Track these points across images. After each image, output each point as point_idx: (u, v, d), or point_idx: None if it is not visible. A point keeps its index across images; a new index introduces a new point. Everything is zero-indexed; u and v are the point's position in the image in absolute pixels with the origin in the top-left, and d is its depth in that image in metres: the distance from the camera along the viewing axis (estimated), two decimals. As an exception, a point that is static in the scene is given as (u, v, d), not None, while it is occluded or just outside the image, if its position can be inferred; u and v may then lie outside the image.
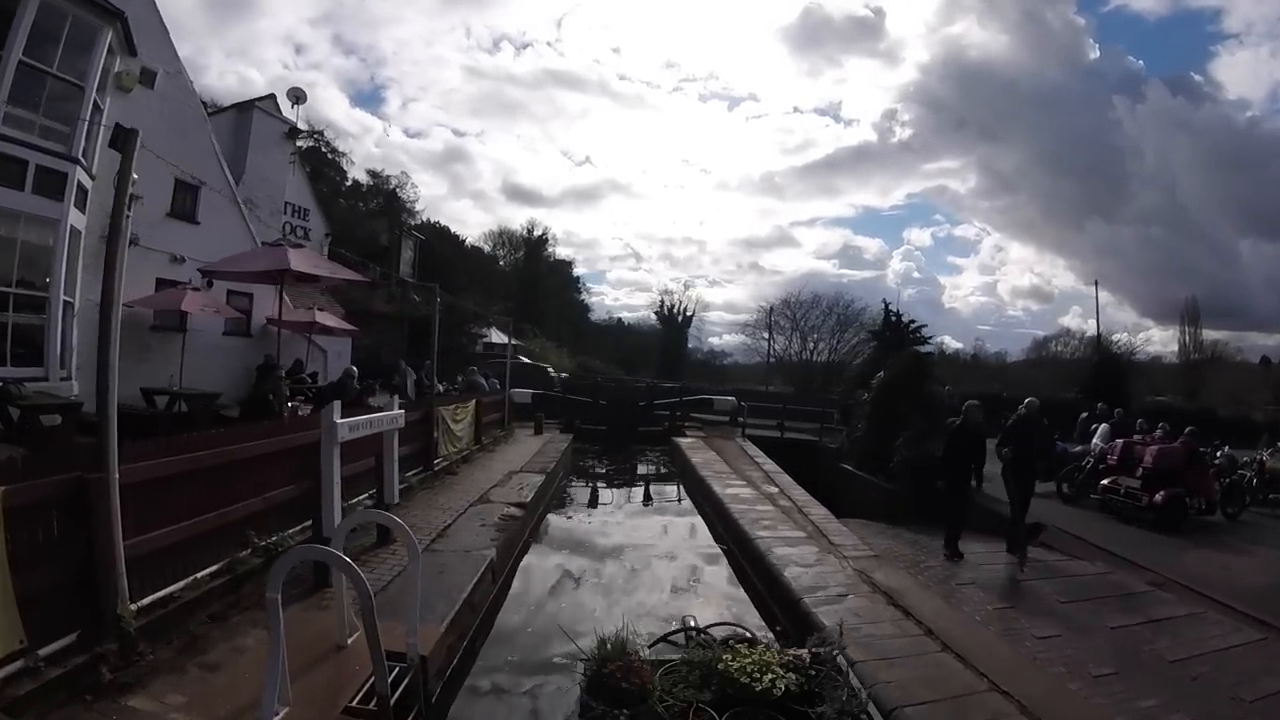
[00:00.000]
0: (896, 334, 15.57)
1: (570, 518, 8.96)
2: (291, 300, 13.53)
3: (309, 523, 5.23)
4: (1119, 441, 11.59)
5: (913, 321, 15.81)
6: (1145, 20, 74.82)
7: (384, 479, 5.58)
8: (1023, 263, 76.69)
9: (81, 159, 10.57)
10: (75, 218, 10.48)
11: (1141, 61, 74.64)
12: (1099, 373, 24.65)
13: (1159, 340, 36.50)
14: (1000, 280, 74.01)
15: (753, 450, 14.37)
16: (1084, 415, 14.55)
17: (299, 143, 31.92)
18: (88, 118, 10.71)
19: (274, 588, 3.16)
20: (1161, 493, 9.74)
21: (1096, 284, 34.23)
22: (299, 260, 7.22)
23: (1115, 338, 32.75)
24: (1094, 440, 12.46)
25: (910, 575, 6.21)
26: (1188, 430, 10.91)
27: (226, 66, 57.20)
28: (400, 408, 7.69)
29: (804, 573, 5.57)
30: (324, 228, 18.83)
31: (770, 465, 12.11)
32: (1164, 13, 74.35)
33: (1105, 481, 10.82)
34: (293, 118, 16.47)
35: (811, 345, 35.64)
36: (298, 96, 16.62)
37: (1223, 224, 58.46)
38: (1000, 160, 70.49)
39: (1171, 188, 58.97)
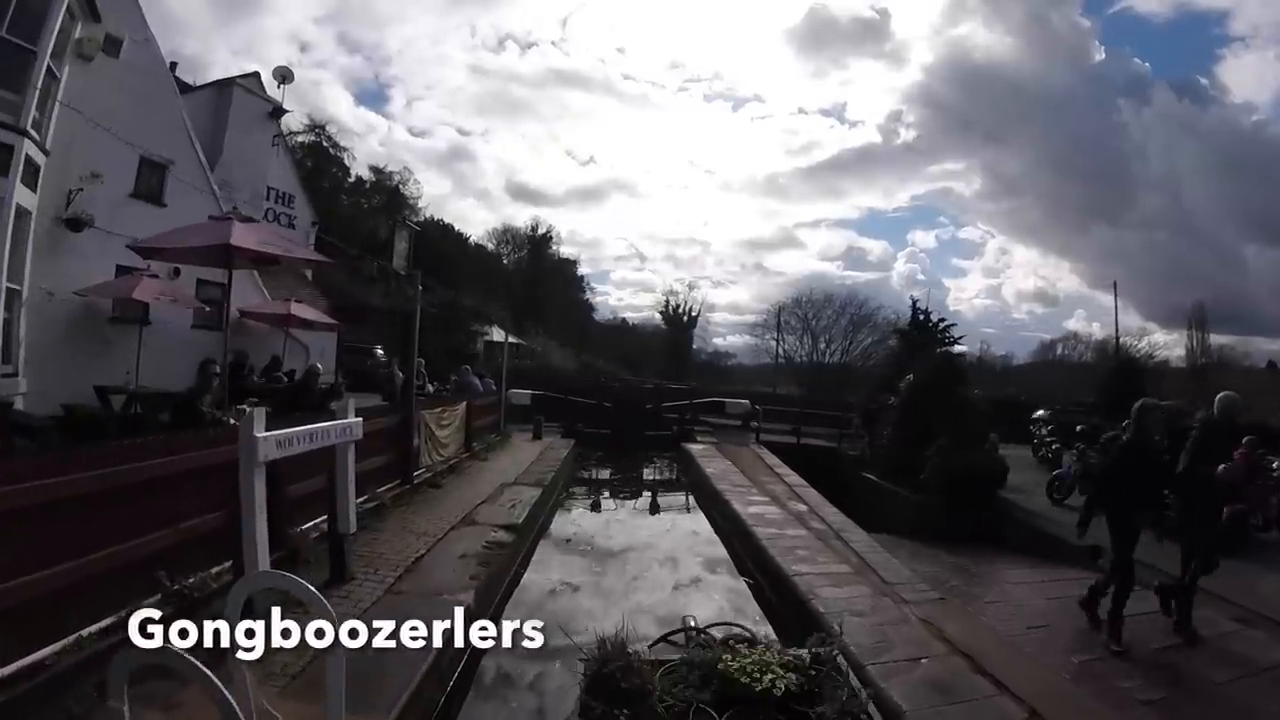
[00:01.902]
0: (924, 333, 14.44)
1: (569, 541, 7.82)
2: (269, 290, 12.52)
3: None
4: (1171, 452, 10.47)
5: (942, 320, 14.70)
6: (1151, 22, 73.28)
7: (337, 503, 4.50)
8: (1027, 266, 75.30)
9: (32, 132, 9.56)
10: (23, 196, 9.45)
11: (1147, 64, 73.22)
12: (1116, 378, 23.59)
13: (1163, 344, 35.43)
14: (1005, 283, 72.67)
15: (770, 459, 13.24)
16: (1125, 422, 13.44)
17: (301, 136, 31.58)
18: (40, 86, 9.73)
19: (116, 693, 2.13)
20: (1224, 510, 8.72)
21: (1115, 285, 32.67)
22: (244, 235, 6.08)
23: (1131, 342, 31.70)
24: (1142, 450, 11.28)
25: (985, 623, 5.12)
26: (1246, 440, 9.86)
27: (232, 64, 56.46)
28: (372, 411, 6.64)
29: (860, 624, 4.47)
30: (310, 216, 17.71)
31: (794, 478, 10.98)
32: (1170, 15, 72.78)
33: (1159, 496, 9.74)
34: (278, 98, 15.36)
35: (823, 346, 34.45)
36: (284, 76, 15.50)
37: (1227, 228, 57.18)
38: (1005, 162, 69.23)
39: (1177, 192, 57.80)
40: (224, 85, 14.52)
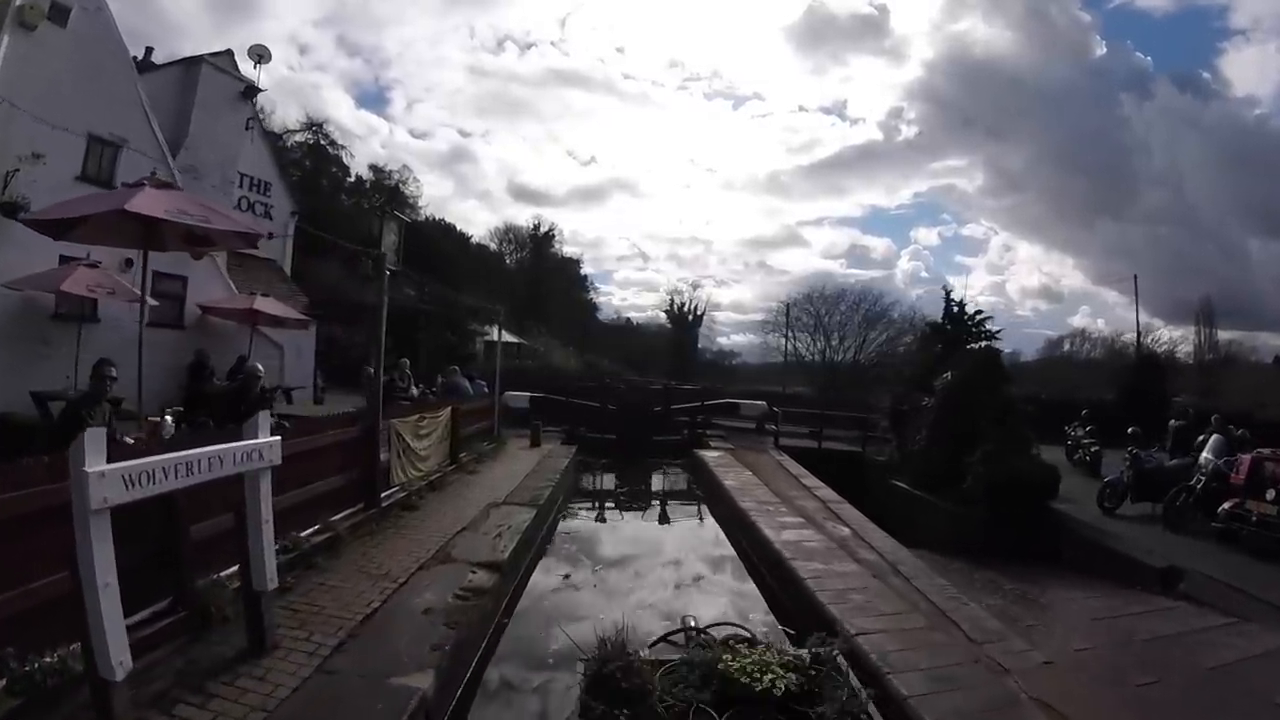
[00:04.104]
0: (958, 327, 13.21)
1: (568, 576, 6.54)
2: (238, 284, 11.40)
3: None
4: (1245, 457, 9.39)
5: (979, 312, 13.45)
6: (1151, 16, 72.26)
7: (250, 552, 3.31)
8: (1031, 262, 74.20)
9: (-39, 106, 8.52)
10: (-49, 178, 8.43)
11: (1149, 58, 72.11)
12: (1135, 375, 22.46)
13: (1170, 340, 34.69)
14: (1009, 280, 71.62)
15: (794, 467, 11.95)
16: (1176, 423, 12.34)
17: (299, 135, 30.68)
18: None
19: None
20: None
21: (1135, 280, 31.32)
22: (149, 202, 4.77)
23: (1149, 338, 30.81)
24: (1203, 455, 10.22)
25: (1104, 695, 3.91)
26: None
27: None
28: (325, 421, 5.51)
29: (954, 709, 3.28)
30: (290, 205, 16.46)
31: (826, 491, 9.67)
32: (1170, 8, 71.62)
33: (1228, 505, 8.72)
34: (254, 78, 14.07)
35: (836, 343, 33.10)
36: (260, 55, 14.27)
37: (1231, 222, 56.20)
38: (1007, 158, 68.25)
39: (1180, 186, 56.83)
40: (191, 63, 13.20)
